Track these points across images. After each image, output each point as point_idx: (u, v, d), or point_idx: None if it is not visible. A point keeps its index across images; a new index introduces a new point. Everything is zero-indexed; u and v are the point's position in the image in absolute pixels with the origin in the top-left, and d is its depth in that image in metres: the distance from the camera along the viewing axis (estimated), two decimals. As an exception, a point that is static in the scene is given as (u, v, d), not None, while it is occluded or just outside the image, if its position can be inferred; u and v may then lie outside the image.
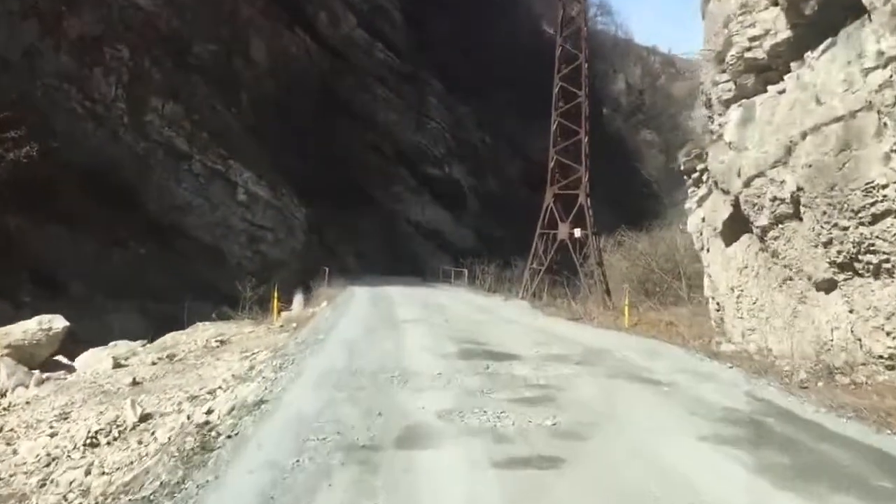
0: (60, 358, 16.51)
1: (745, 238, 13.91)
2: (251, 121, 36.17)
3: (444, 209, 57.60)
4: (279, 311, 21.29)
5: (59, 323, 16.52)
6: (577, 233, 28.63)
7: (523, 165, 70.89)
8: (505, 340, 14.33)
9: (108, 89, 29.01)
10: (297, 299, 24.52)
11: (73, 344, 17.40)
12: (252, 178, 32.14)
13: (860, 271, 9.62)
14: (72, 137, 26.42)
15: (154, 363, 15.14)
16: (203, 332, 19.64)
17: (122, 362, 15.49)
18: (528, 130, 72.75)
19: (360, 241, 48.84)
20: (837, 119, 9.40)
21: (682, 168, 19.03)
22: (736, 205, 13.42)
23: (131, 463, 7.71)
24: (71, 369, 15.77)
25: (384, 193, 53.81)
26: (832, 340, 10.55)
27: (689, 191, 19.48)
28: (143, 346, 18.47)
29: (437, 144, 57.40)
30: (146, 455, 7.72)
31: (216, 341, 17.42)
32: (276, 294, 21.15)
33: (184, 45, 33.11)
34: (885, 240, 8.92)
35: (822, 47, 10.19)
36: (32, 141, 22.59)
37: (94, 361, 16.05)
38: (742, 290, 14.00)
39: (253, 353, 13.93)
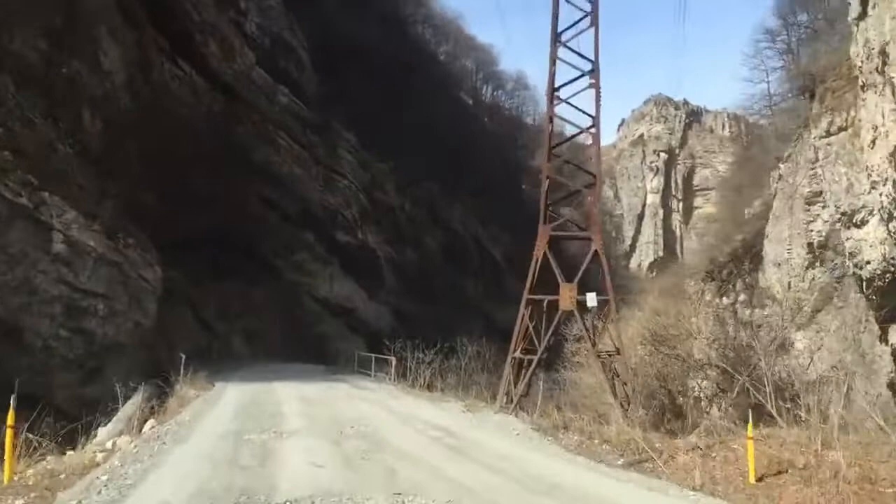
0: None
1: None
2: (95, 146, 25.31)
3: (357, 283, 47.03)
4: (33, 457, 10.32)
5: None
6: (592, 300, 17.69)
7: (445, 237, 61.86)
8: None
9: None
10: (105, 430, 13.34)
11: None
12: (78, 220, 21.06)
13: None
14: None
15: None
16: None
17: None
18: (449, 198, 64.19)
19: (251, 318, 37.49)
20: None
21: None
22: None
23: None
24: None
25: (284, 262, 42.88)
26: None
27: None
28: None
29: (350, 206, 47.25)
30: None
31: None
32: (10, 422, 10.01)
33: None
34: None
35: None
36: None
37: None
38: None
39: None
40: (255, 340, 36.42)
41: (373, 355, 28.51)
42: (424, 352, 23.22)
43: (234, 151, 40.03)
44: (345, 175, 47.11)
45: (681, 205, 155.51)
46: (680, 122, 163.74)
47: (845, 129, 13.94)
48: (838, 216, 13.38)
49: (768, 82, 46.73)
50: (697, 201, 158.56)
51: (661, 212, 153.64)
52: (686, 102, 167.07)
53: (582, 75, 19.05)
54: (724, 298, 18.74)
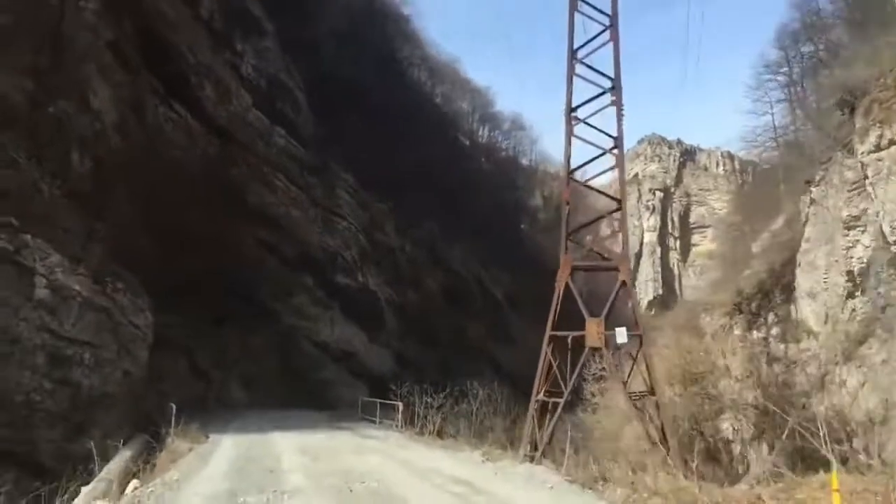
0: None
1: None
2: (83, 187, 24.10)
3: (358, 326, 45.48)
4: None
5: None
6: (622, 336, 15.79)
7: (445, 279, 60.58)
8: None
9: None
10: (86, 491, 11.74)
11: None
12: (63, 263, 19.71)
13: None
14: None
15: None
16: None
17: None
18: (448, 238, 63.03)
19: (249, 364, 35.89)
20: None
21: None
22: None
23: None
24: None
25: (283, 305, 41.39)
26: None
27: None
28: None
29: (350, 248, 45.99)
30: None
31: None
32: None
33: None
34: None
35: None
36: None
37: None
38: None
39: None
40: (253, 387, 34.81)
41: (377, 401, 26.83)
42: (433, 396, 21.64)
43: (230, 194, 38.92)
44: (344, 216, 45.95)
45: (678, 242, 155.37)
46: (674, 160, 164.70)
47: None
48: (894, 238, 12.12)
49: (772, 114, 46.07)
50: (695, 238, 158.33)
51: (658, 250, 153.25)
52: (680, 142, 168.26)
53: (602, 93, 17.92)
54: (756, 332, 17.31)
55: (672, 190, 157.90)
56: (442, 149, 70.94)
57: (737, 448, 14.40)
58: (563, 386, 15.28)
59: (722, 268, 51.22)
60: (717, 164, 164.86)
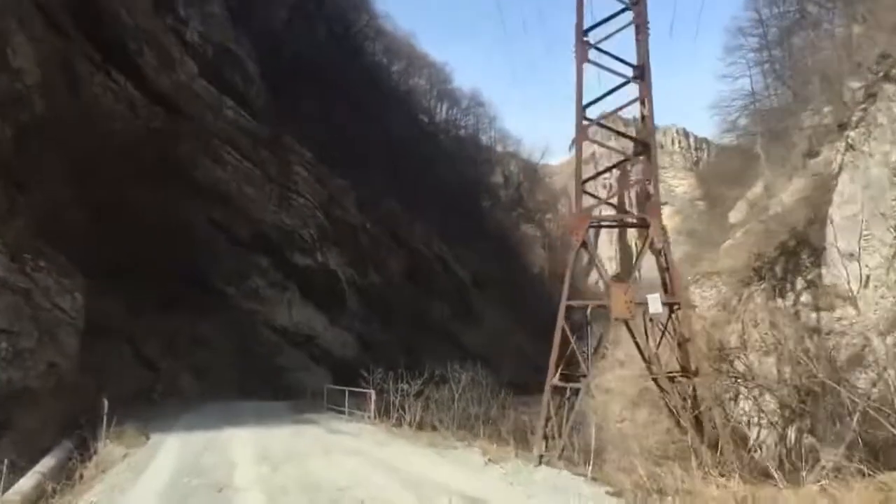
0: None
1: None
2: (2, 156, 21.00)
3: (318, 309, 42.83)
4: None
5: None
6: (656, 304, 12.80)
7: (407, 259, 58.20)
8: None
9: None
10: None
11: None
12: (-27, 239, 16.82)
13: None
14: None
15: None
16: None
17: None
18: (410, 218, 60.48)
19: (202, 352, 33.01)
20: None
21: None
22: None
23: None
24: None
25: (237, 289, 38.51)
26: None
27: None
28: None
29: (308, 226, 43.18)
30: None
31: None
32: None
33: None
34: None
35: None
36: None
37: None
38: None
39: None
40: (206, 377, 31.95)
41: (345, 388, 24.15)
42: (409, 382, 19.22)
43: (176, 169, 35.79)
44: (301, 193, 43.07)
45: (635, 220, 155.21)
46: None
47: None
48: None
49: (750, 76, 44.49)
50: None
51: (615, 228, 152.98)
52: (635, 119, 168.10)
53: (620, 12, 15.23)
54: (781, 300, 15.26)
55: (629, 167, 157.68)
56: (401, 125, 68.28)
57: (765, 435, 12.43)
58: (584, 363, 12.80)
59: (690, 243, 49.63)
60: (673, 142, 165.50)
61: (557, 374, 12.90)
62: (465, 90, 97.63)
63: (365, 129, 55.31)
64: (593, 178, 18.12)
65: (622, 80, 15.31)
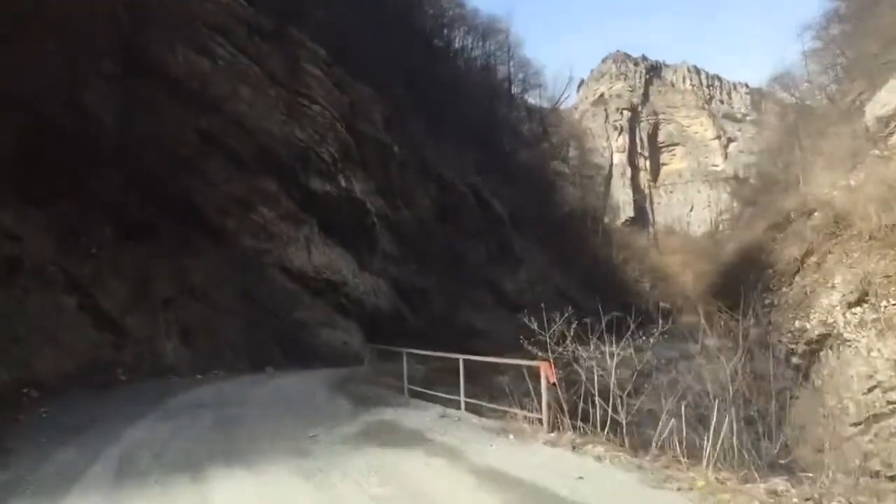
0: None
1: None
2: None
3: (343, 248, 32.20)
4: None
5: None
6: None
7: (438, 192, 47.27)
8: None
9: None
10: None
11: None
12: None
13: None
14: None
15: None
16: None
17: None
18: (437, 144, 49.56)
19: (191, 306, 22.45)
20: None
21: None
22: None
23: None
24: None
25: (238, 222, 27.78)
26: None
27: None
28: None
29: (326, 142, 32.15)
30: None
31: None
32: None
33: None
34: None
35: None
36: None
37: None
38: None
39: None
40: (197, 342, 21.48)
41: (445, 355, 12.86)
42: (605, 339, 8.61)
43: (149, 65, 24.89)
44: (315, 99, 31.85)
45: (647, 162, 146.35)
46: (640, 78, 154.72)
47: None
48: None
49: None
50: (664, 157, 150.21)
51: (628, 171, 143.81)
52: (645, 58, 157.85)
53: None
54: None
55: (639, 108, 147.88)
56: (416, 47, 56.66)
57: None
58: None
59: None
60: (684, 80, 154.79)
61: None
62: (483, 15, 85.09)
63: (382, 36, 43.95)
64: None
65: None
